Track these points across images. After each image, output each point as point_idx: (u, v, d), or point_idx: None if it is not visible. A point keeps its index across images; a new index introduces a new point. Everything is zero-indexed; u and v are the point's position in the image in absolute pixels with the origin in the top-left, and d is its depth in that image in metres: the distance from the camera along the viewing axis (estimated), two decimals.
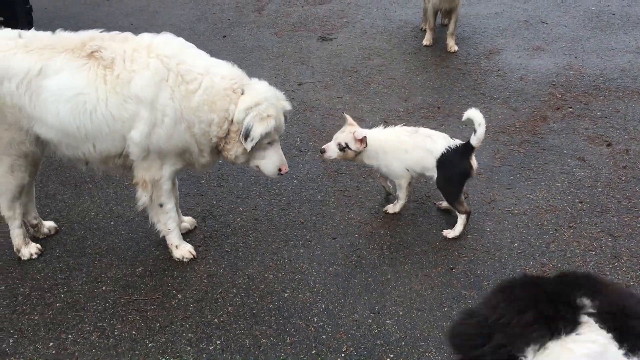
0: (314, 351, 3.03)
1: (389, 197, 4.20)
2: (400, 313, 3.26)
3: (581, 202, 4.14)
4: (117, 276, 3.54)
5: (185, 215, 3.96)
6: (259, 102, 3.26)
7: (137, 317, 3.25)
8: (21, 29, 3.38)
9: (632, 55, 6.35)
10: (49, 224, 3.89)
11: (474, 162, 3.75)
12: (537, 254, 3.67)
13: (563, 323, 1.47)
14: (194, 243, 3.77)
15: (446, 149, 3.72)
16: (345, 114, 4.04)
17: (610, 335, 1.44)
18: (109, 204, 4.20)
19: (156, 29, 3.45)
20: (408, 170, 3.85)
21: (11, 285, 3.48)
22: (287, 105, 3.47)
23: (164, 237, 3.65)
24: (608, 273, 3.49)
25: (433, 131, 3.93)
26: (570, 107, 5.42)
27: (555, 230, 3.88)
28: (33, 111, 3.17)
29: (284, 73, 6.16)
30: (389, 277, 3.52)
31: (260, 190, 4.34)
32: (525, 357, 1.47)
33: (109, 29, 3.42)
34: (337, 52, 6.70)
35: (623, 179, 4.39)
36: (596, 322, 1.47)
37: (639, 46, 6.56)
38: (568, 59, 6.35)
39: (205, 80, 3.22)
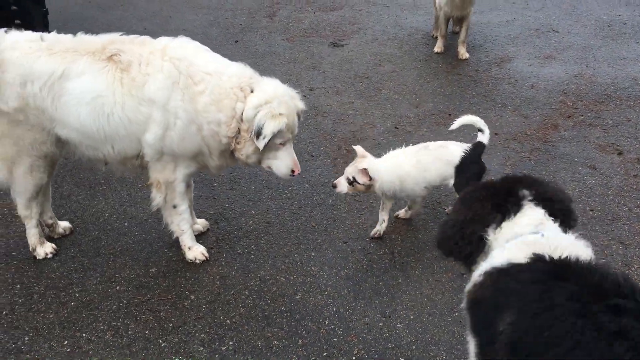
0: (325, 353, 3.06)
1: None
2: (411, 317, 3.28)
3: (592, 210, 4.14)
4: (130, 276, 3.58)
5: (198, 217, 3.99)
6: (269, 100, 3.22)
7: (151, 317, 3.28)
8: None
9: None
10: (64, 224, 3.93)
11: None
12: None
13: (511, 207, 2.10)
14: (207, 245, 3.80)
15: (462, 153, 3.76)
16: (355, 146, 3.87)
17: (544, 211, 2.09)
18: (122, 205, 4.25)
19: (169, 33, 3.48)
20: (426, 187, 3.84)
21: (27, 283, 3.53)
22: (301, 105, 3.42)
23: (177, 238, 3.69)
24: None
25: (441, 141, 3.94)
26: (582, 116, 5.43)
27: None
28: (55, 113, 3.21)
29: (295, 78, 6.21)
30: (399, 281, 3.54)
31: (272, 194, 4.38)
32: (488, 235, 2.11)
33: (123, 33, 3.45)
34: (349, 58, 6.74)
35: (634, 187, 4.39)
36: (535, 205, 2.10)
37: None
38: (579, 67, 6.36)
39: (212, 81, 3.21)
